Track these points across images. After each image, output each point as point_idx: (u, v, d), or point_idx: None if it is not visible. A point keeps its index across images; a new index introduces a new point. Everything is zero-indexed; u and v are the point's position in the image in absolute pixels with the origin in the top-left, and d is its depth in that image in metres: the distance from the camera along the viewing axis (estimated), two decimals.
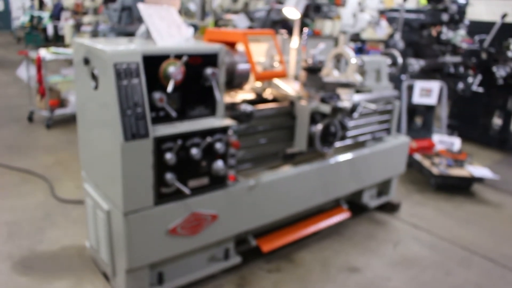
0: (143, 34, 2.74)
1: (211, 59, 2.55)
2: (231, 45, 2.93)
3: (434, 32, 5.65)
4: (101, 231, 2.68)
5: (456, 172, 4.58)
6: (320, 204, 3.46)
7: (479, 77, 5.74)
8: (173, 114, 2.41)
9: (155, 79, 2.36)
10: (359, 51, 7.65)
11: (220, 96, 2.63)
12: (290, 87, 3.14)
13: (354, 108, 3.29)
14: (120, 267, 2.55)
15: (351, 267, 3.25)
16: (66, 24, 11.20)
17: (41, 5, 16.90)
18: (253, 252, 3.17)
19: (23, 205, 3.90)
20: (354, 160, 3.51)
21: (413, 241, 3.68)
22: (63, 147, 5.48)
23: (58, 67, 7.39)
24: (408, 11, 5.53)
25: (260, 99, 3.16)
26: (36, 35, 14.60)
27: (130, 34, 6.60)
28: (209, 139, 2.48)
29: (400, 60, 4.10)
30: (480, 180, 4.61)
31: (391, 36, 5.31)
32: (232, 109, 2.75)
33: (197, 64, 2.49)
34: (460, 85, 5.46)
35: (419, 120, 6.26)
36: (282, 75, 3.11)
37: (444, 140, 5.13)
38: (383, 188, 4.11)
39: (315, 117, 3.03)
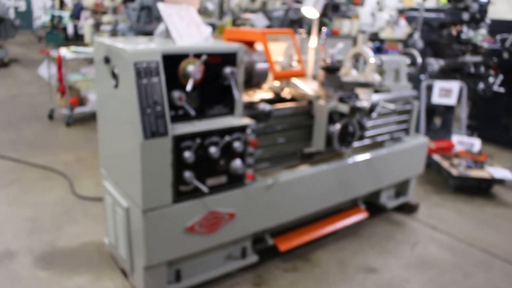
0: (162, 33, 2.76)
1: (230, 58, 2.56)
2: (250, 44, 2.94)
3: (454, 31, 5.57)
4: (120, 228, 2.71)
5: (475, 173, 4.52)
6: (337, 204, 3.45)
7: (501, 77, 5.65)
8: (192, 112, 2.43)
9: (175, 78, 2.38)
10: (378, 50, 7.59)
11: (239, 95, 2.64)
12: (309, 87, 3.14)
13: (372, 108, 3.27)
14: (138, 264, 2.58)
15: (368, 268, 3.23)
16: (86, 24, 11.35)
17: (62, 5, 17.15)
18: (270, 251, 3.18)
19: (43, 201, 3.97)
20: (372, 160, 3.49)
21: (431, 242, 3.64)
22: (83, 144, 5.56)
23: (78, 66, 7.51)
24: (428, 10, 5.46)
25: (278, 99, 3.16)
26: (56, 34, 14.81)
27: (149, 33, 6.66)
28: (227, 138, 2.49)
29: (419, 59, 4.06)
30: (500, 181, 4.53)
31: (410, 35, 5.25)
32: (250, 108, 2.76)
33: (216, 63, 2.50)
34: (481, 85, 5.38)
35: (438, 120, 6.18)
36: (301, 75, 3.10)
37: (464, 141, 5.06)
38: (401, 188, 4.08)
39: (333, 116, 3.02)
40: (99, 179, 3.24)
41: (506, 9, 9.44)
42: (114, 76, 2.45)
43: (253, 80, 2.86)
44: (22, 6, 14.35)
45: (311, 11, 3.46)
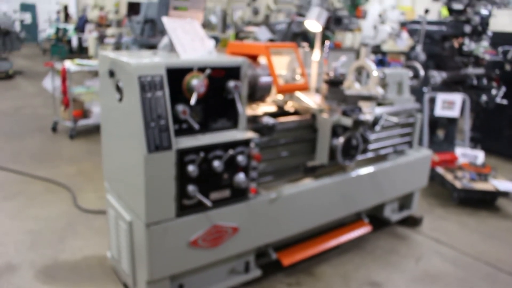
0: (165, 46, 2.78)
1: (234, 72, 2.57)
2: (254, 57, 2.95)
3: (456, 43, 5.59)
4: (123, 241, 2.70)
5: (480, 186, 4.50)
6: (341, 217, 3.44)
7: (503, 89, 5.65)
8: (196, 126, 2.43)
9: (179, 92, 2.39)
10: (380, 63, 7.60)
11: (242, 109, 2.64)
12: (312, 100, 3.14)
13: (375, 121, 3.27)
14: (141, 278, 2.57)
15: (372, 282, 3.21)
16: (90, 36, 11.44)
17: (67, 18, 17.30)
18: (273, 265, 3.16)
19: (46, 214, 3.97)
20: (376, 174, 3.48)
21: (435, 256, 3.61)
22: (86, 157, 5.57)
23: (82, 79, 7.54)
24: (430, 22, 5.48)
25: (282, 112, 3.17)
26: (61, 46, 14.93)
27: (153, 46, 6.72)
28: (231, 152, 2.49)
29: (422, 72, 4.07)
30: (505, 194, 4.51)
31: (412, 48, 5.27)
32: (254, 122, 2.76)
33: (220, 77, 2.51)
34: (484, 97, 5.38)
35: (441, 133, 6.18)
36: (304, 88, 3.11)
37: (467, 153, 5.05)
38: (404, 201, 4.06)
39: (336, 130, 3.02)
40: (102, 192, 3.24)
41: (507, 21, 9.47)
42: (119, 89, 2.46)
43: (257, 93, 2.87)
44: (28, 19, 14.47)
45: (314, 24, 3.48)
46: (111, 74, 2.49)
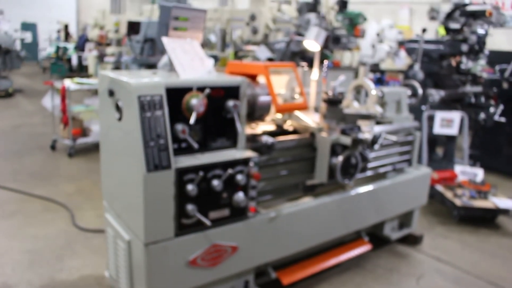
0: (165, 65, 2.80)
1: (233, 92, 2.58)
2: (253, 77, 2.97)
3: (454, 62, 5.63)
4: (121, 261, 2.68)
5: (480, 203, 4.48)
6: (340, 236, 3.42)
7: (501, 107, 5.68)
8: (195, 145, 2.43)
9: (178, 111, 2.39)
10: (378, 81, 7.66)
11: (242, 128, 2.65)
12: (311, 119, 3.15)
13: (374, 139, 3.28)
14: None
15: None
16: (90, 55, 11.52)
17: (67, 37, 17.43)
18: (272, 285, 3.13)
19: (44, 233, 3.94)
20: (375, 192, 3.48)
21: (436, 275, 3.58)
22: (85, 175, 5.56)
23: (81, 97, 7.57)
24: (427, 41, 5.54)
25: (281, 131, 3.18)
26: (61, 65, 15.01)
27: (152, 65, 6.76)
28: (230, 171, 2.49)
29: (420, 91, 4.09)
30: (505, 211, 4.50)
31: (410, 66, 5.31)
32: (253, 141, 2.76)
33: (219, 96, 2.52)
34: (482, 115, 5.40)
35: (440, 150, 6.18)
36: (303, 107, 3.12)
37: (467, 171, 5.05)
38: (404, 220, 4.04)
39: (335, 149, 3.02)
40: (101, 211, 3.22)
41: (504, 40, 9.58)
42: (118, 108, 2.47)
43: (256, 112, 2.88)
44: (29, 38, 14.59)
45: (312, 44, 3.51)
46: (111, 93, 2.50)
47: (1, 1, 18.04)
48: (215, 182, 2.44)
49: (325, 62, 3.58)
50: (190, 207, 2.39)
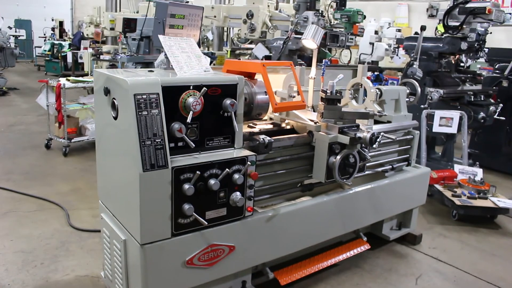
0: (161, 63, 2.75)
1: (230, 90, 2.54)
2: (250, 75, 2.93)
3: (453, 60, 5.61)
4: (117, 261, 2.64)
5: (479, 203, 4.46)
6: (339, 235, 3.39)
7: (501, 105, 5.66)
8: (192, 144, 2.39)
9: (175, 110, 2.35)
10: (377, 80, 7.64)
11: (239, 127, 2.61)
12: (309, 118, 3.11)
13: (373, 138, 3.24)
14: None
15: None
16: (85, 53, 11.43)
17: (62, 34, 17.34)
18: (270, 285, 3.09)
19: (39, 233, 3.89)
20: (374, 191, 3.45)
21: (435, 274, 3.56)
22: (80, 175, 5.50)
23: (76, 95, 7.51)
24: (426, 39, 5.51)
25: (278, 130, 3.14)
26: (56, 63, 14.93)
27: (148, 63, 6.71)
28: (227, 170, 2.45)
29: (419, 89, 4.06)
30: (505, 211, 4.48)
31: (409, 65, 5.28)
32: (250, 140, 2.73)
33: (216, 94, 2.48)
34: (481, 114, 5.38)
35: (439, 149, 6.17)
36: (301, 106, 3.08)
37: (466, 170, 5.03)
38: (403, 219, 4.02)
39: (333, 147, 2.98)
40: (96, 211, 3.18)
41: (503, 38, 9.58)
42: (114, 107, 2.43)
43: (253, 111, 2.85)
44: (23, 35, 14.50)
45: (310, 42, 3.47)
46: (107, 91, 2.46)
47: None
48: (212, 182, 2.40)
49: (323, 60, 3.54)
50: (186, 207, 2.35)
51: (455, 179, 4.91)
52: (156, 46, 6.55)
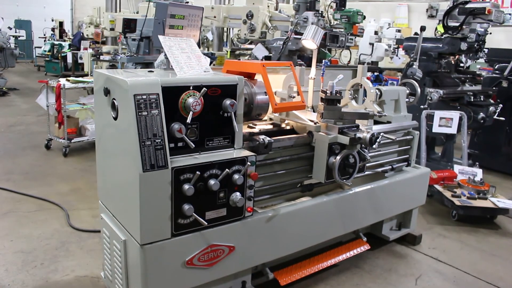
0: (161, 63, 2.75)
1: (230, 90, 2.54)
2: (250, 76, 2.93)
3: (452, 60, 5.61)
4: (117, 261, 2.64)
5: (479, 203, 4.46)
6: (339, 236, 3.39)
7: (500, 106, 5.66)
8: (192, 145, 2.39)
9: (174, 110, 2.35)
10: (377, 80, 7.64)
11: (239, 127, 2.61)
12: (309, 118, 3.12)
13: (373, 139, 3.24)
14: None
15: None
16: (85, 53, 11.44)
17: (62, 35, 17.33)
18: (270, 285, 3.09)
19: (38, 233, 3.89)
20: (373, 191, 3.45)
21: (435, 275, 3.56)
22: (80, 175, 5.50)
23: (76, 96, 7.51)
24: (426, 39, 5.51)
25: (278, 130, 3.14)
26: (56, 63, 14.92)
27: (148, 63, 6.71)
28: (227, 170, 2.45)
29: (418, 89, 4.06)
30: (505, 211, 4.48)
31: (409, 65, 5.28)
32: (250, 140, 2.73)
33: (216, 95, 2.48)
34: (481, 114, 5.38)
35: (439, 150, 6.16)
36: (301, 106, 3.08)
37: (465, 170, 5.03)
38: (403, 219, 4.02)
39: (333, 148, 2.98)
40: (96, 211, 3.18)
41: (503, 38, 9.59)
42: (114, 107, 2.43)
43: (253, 111, 2.84)
44: (23, 36, 14.50)
45: (310, 42, 3.47)
46: (106, 92, 2.46)
47: None
48: (212, 182, 2.41)
49: (323, 60, 3.54)
50: (186, 207, 2.35)
51: (454, 179, 4.91)
52: (156, 47, 6.56)
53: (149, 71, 2.65)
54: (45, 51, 16.06)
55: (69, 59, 13.86)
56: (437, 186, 4.79)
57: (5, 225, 4.03)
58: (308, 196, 3.17)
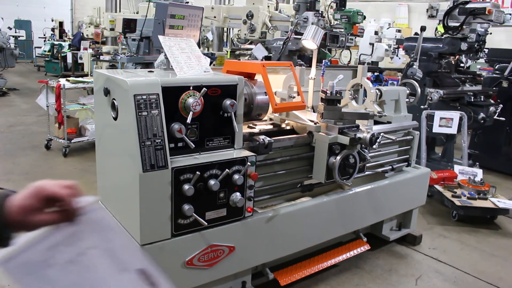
0: (161, 63, 2.75)
1: (230, 90, 2.54)
2: (250, 76, 2.93)
3: (453, 61, 5.60)
4: None
5: (479, 203, 4.46)
6: (339, 236, 3.39)
7: (501, 106, 5.66)
8: (192, 145, 2.39)
9: (174, 110, 2.35)
10: (377, 80, 7.64)
11: (239, 127, 2.61)
12: (309, 118, 3.11)
13: (373, 139, 3.23)
14: None
15: None
16: (85, 53, 11.44)
17: (62, 35, 17.32)
18: (270, 285, 3.09)
19: None
20: (373, 192, 3.44)
21: (435, 275, 3.56)
22: (79, 175, 5.50)
23: (76, 96, 7.50)
24: (426, 40, 5.51)
25: (278, 130, 3.14)
26: (55, 63, 14.92)
27: (148, 63, 6.71)
28: (227, 171, 2.45)
29: (418, 89, 4.06)
30: (505, 211, 4.48)
31: (409, 65, 5.28)
32: (250, 140, 2.73)
33: (216, 95, 2.48)
34: (481, 114, 5.38)
35: (439, 150, 6.16)
36: (301, 106, 3.08)
37: (466, 171, 5.02)
38: (403, 220, 4.02)
39: (333, 148, 2.98)
40: None
41: (503, 38, 9.59)
42: (114, 107, 2.43)
43: (253, 111, 2.84)
44: (23, 36, 14.49)
45: (310, 42, 3.47)
46: (106, 92, 2.46)
47: None
48: (212, 182, 2.40)
49: (323, 60, 3.54)
50: (186, 207, 2.35)
51: (455, 179, 4.91)
52: (156, 47, 6.56)
53: (149, 71, 2.65)
54: (45, 51, 16.05)
55: (69, 59, 13.85)
56: (437, 186, 4.79)
57: None
58: (308, 196, 3.17)
